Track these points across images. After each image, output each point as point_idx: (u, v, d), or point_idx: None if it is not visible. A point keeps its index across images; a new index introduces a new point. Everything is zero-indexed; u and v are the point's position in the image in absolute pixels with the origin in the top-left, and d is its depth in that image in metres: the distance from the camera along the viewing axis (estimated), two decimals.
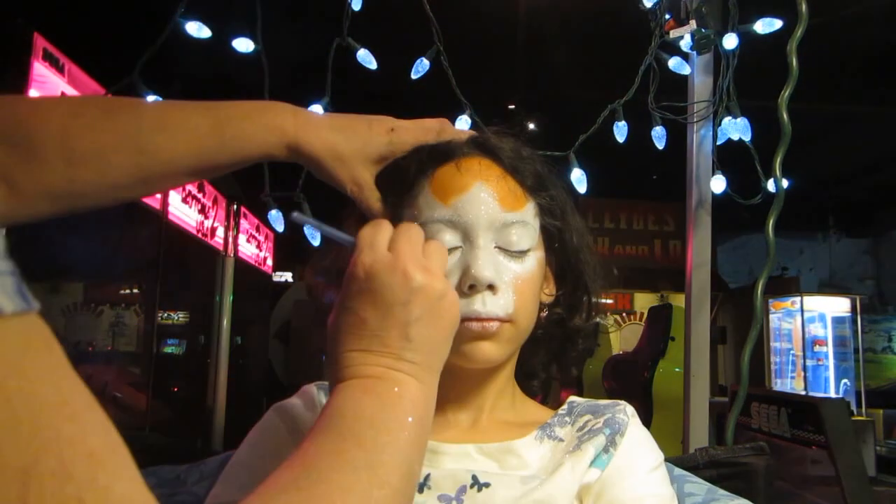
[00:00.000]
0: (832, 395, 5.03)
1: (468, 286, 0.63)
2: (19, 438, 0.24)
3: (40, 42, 2.93)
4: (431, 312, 0.51)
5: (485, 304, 0.63)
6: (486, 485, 0.62)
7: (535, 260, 0.67)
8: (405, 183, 0.67)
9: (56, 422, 0.26)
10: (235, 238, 4.64)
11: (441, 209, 0.65)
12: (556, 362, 0.76)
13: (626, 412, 0.69)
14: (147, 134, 0.61)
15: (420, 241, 0.54)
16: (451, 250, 0.64)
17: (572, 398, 0.74)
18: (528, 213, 0.67)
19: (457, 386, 0.68)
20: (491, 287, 0.63)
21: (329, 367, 0.52)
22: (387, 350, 0.50)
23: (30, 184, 0.58)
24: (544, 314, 0.72)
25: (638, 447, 0.67)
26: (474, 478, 0.63)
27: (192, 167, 0.63)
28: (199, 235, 4.01)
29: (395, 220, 0.67)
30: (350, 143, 0.65)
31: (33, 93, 3.07)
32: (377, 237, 0.53)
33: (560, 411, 0.72)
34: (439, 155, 0.68)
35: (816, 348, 5.41)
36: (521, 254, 0.66)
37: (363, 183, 0.66)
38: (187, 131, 0.62)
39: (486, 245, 0.64)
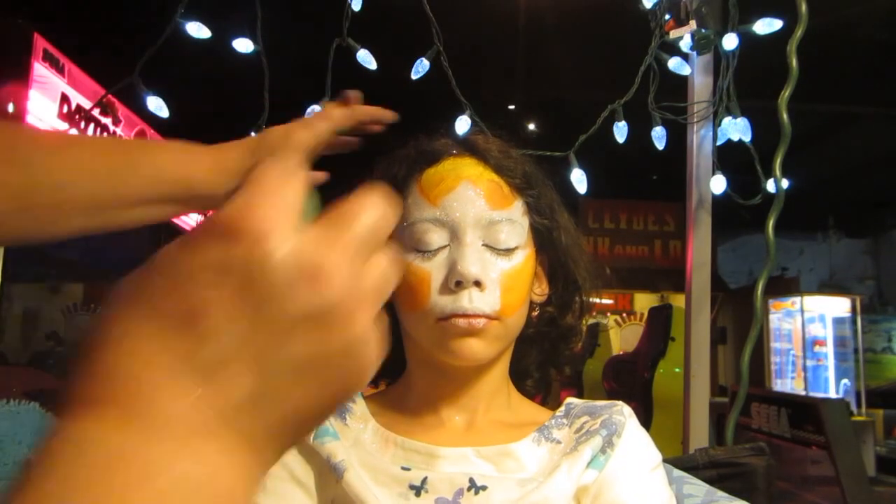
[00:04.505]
0: (832, 395, 5.04)
1: (455, 283, 0.63)
2: None
3: (40, 42, 2.94)
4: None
5: (471, 300, 0.63)
6: (483, 488, 0.62)
7: (523, 257, 0.67)
8: (395, 187, 0.68)
9: None
10: None
11: (429, 209, 0.66)
12: (549, 362, 0.76)
13: (624, 413, 0.69)
14: (40, 151, 0.55)
15: None
16: (438, 249, 0.65)
17: (570, 399, 0.74)
18: (516, 211, 0.68)
19: (449, 385, 0.69)
20: (478, 284, 0.63)
21: None
22: None
23: None
24: (536, 313, 0.72)
25: (635, 448, 0.67)
26: (471, 481, 0.62)
27: (95, 195, 0.56)
28: None
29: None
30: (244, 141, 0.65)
31: (33, 93, 3.07)
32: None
33: (557, 413, 0.71)
34: (427, 156, 0.69)
35: (816, 348, 5.42)
36: (508, 251, 0.66)
37: (298, 123, 0.66)
38: (91, 151, 0.58)
39: (473, 242, 0.65)
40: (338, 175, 0.73)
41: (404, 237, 0.66)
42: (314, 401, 0.27)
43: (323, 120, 0.68)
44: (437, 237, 0.65)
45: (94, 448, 0.22)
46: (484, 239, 0.65)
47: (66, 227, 0.57)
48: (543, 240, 0.71)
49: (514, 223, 0.67)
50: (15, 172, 0.53)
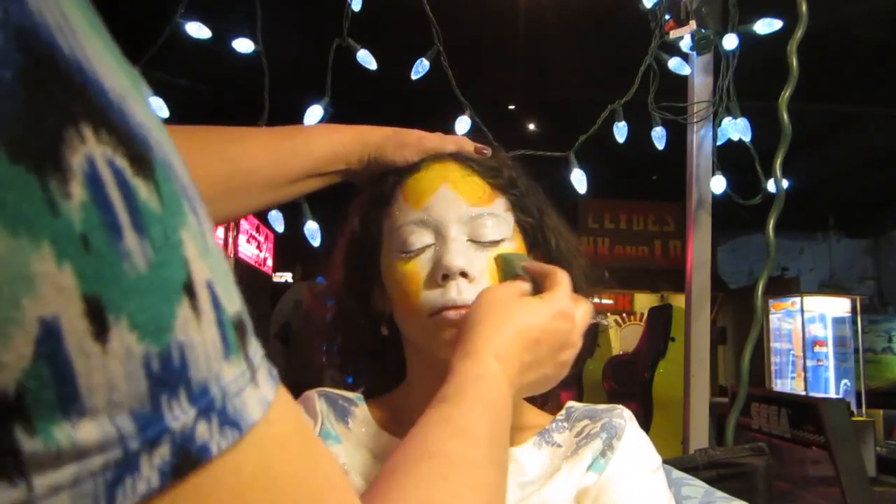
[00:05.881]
0: (832, 395, 5.03)
1: (441, 276, 0.64)
2: None
3: None
4: (554, 378, 0.63)
5: (460, 291, 0.64)
6: None
7: (510, 248, 0.68)
8: (381, 198, 0.71)
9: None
10: (235, 238, 4.64)
11: (413, 212, 0.68)
12: None
13: (624, 416, 0.69)
14: (229, 143, 0.66)
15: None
16: (424, 248, 0.67)
17: (570, 403, 0.74)
18: (499, 206, 0.69)
19: None
20: (464, 275, 0.65)
21: (467, 345, 0.58)
22: (514, 375, 0.58)
23: None
24: None
25: (635, 451, 0.67)
26: None
27: (270, 176, 0.67)
28: None
29: (376, 233, 0.71)
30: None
31: None
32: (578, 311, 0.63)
33: (558, 417, 0.72)
34: (409, 166, 0.71)
35: (816, 349, 5.41)
36: (494, 243, 0.67)
37: (436, 134, 0.73)
38: (263, 140, 0.69)
39: (458, 237, 0.66)
40: (334, 188, 0.75)
41: (391, 242, 0.68)
42: (550, 379, 0.63)
43: (452, 144, 0.73)
44: (422, 237, 0.67)
45: (485, 378, 0.56)
46: (469, 235, 0.67)
47: (252, 204, 0.70)
48: (535, 240, 0.72)
49: (497, 217, 0.68)
50: (217, 165, 0.64)
